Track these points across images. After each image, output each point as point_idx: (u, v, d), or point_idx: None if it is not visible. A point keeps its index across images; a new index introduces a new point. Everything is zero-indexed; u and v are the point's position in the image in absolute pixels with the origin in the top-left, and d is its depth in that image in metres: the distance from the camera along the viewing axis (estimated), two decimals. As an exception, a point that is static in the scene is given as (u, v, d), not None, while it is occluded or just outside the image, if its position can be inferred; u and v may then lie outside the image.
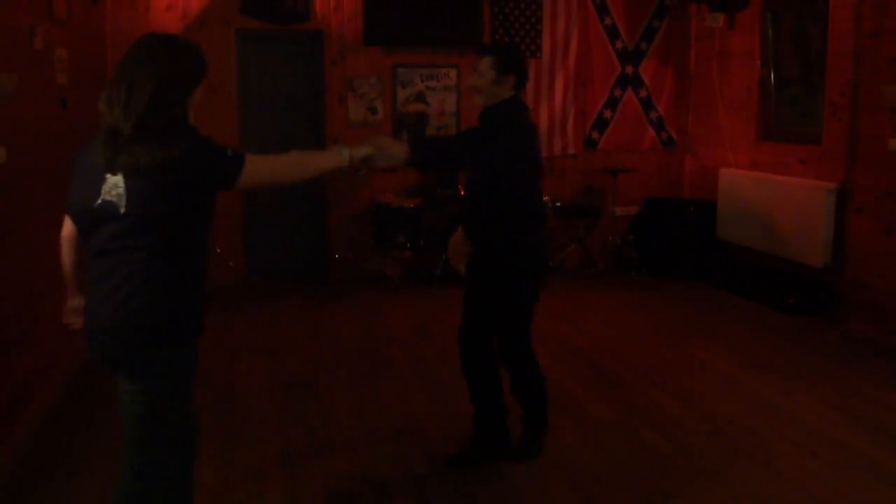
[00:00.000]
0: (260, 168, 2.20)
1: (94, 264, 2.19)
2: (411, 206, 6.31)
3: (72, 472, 3.30)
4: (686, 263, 6.81)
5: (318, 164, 2.38)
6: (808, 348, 4.96)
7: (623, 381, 4.39)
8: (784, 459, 3.42)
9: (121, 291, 2.12)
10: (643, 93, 7.31)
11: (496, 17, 6.81)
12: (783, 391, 4.21)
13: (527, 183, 3.21)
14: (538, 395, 3.47)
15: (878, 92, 5.08)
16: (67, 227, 2.33)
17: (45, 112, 4.25)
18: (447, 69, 6.85)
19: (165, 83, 2.09)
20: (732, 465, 3.37)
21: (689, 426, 3.78)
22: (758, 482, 3.23)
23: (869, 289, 5.24)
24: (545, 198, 6.70)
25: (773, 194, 6.05)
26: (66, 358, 4.36)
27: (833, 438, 3.63)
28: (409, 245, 6.37)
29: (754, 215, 6.25)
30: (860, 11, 5.20)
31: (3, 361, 3.44)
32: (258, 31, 6.39)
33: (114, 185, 2.07)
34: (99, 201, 2.09)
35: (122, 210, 2.07)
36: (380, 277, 6.65)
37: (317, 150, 2.41)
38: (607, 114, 7.27)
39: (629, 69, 7.25)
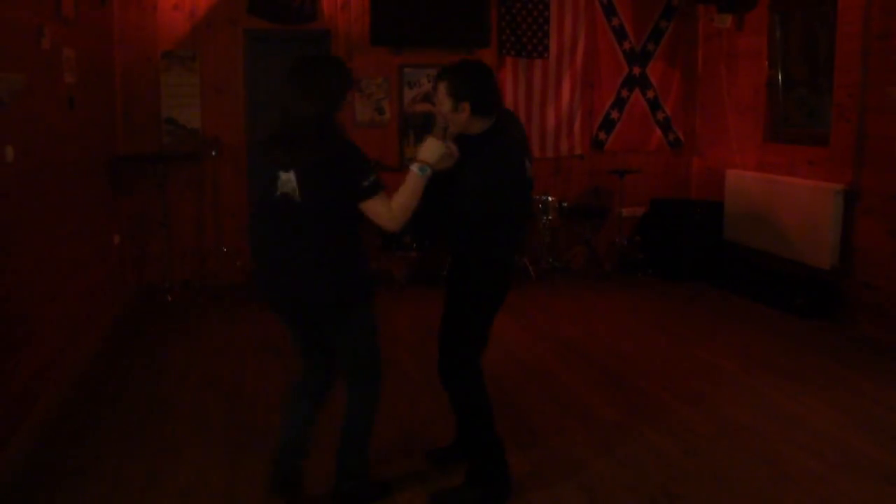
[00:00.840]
0: (383, 205, 2.68)
1: (275, 238, 2.71)
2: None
3: (78, 471, 3.31)
4: (693, 265, 6.79)
5: (414, 192, 2.75)
6: (814, 350, 4.95)
7: (629, 383, 4.38)
8: (790, 461, 3.41)
9: (305, 266, 2.67)
10: (650, 94, 7.30)
11: (503, 18, 6.81)
12: (789, 393, 4.20)
13: (504, 209, 2.93)
14: (477, 430, 3.09)
15: (886, 93, 5.06)
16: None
17: (52, 111, 4.26)
18: (454, 69, 6.84)
19: (326, 97, 2.71)
20: (738, 467, 3.36)
21: (696, 428, 3.76)
22: (763, 484, 3.22)
23: (876, 291, 5.22)
24: (551, 198, 6.71)
25: (781, 196, 6.03)
26: (72, 357, 4.38)
27: (839, 440, 3.61)
28: (415, 245, 6.37)
29: (761, 217, 6.23)
30: (868, 12, 5.18)
31: (10, 361, 3.45)
32: (265, 31, 6.40)
33: (287, 181, 2.62)
34: (277, 194, 2.63)
35: (298, 199, 2.61)
36: (386, 278, 6.66)
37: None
38: (614, 114, 7.26)
39: (636, 70, 7.23)
